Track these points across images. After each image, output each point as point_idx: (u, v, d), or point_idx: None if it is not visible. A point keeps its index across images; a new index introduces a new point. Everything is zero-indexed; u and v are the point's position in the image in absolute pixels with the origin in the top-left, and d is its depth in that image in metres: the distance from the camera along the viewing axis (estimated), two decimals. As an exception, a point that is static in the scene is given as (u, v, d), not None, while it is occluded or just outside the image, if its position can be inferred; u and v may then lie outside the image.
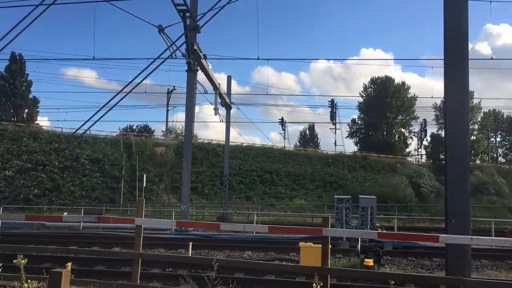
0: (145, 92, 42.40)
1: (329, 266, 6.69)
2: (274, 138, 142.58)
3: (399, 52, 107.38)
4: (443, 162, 19.84)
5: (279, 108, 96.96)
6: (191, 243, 11.98)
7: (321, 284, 5.61)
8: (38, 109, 55.60)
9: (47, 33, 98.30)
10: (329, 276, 6.61)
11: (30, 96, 54.79)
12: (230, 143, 36.27)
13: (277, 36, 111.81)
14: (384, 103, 62.96)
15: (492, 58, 29.34)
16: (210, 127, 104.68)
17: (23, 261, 5.06)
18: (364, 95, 66.80)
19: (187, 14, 19.17)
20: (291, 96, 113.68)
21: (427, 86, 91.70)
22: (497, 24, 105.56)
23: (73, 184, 37.48)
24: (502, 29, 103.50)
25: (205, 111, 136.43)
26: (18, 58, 51.76)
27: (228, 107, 32.38)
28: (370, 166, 48.74)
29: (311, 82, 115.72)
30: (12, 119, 50.72)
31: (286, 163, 46.66)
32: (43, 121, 57.43)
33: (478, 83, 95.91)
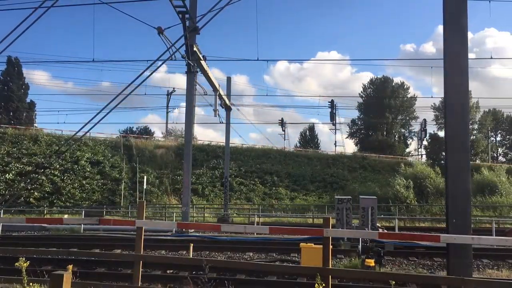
0: (145, 94, 42.53)
1: (330, 267, 6.68)
2: (254, 138, 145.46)
3: (354, 54, 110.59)
4: (443, 161, 19.87)
5: (247, 108, 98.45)
6: (192, 244, 11.97)
7: (323, 284, 5.61)
8: (35, 112, 55.79)
9: (45, 36, 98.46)
10: (330, 276, 6.61)
11: (27, 99, 55.01)
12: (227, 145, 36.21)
13: (276, 36, 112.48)
14: (383, 103, 63.02)
15: (491, 58, 29.11)
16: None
17: (25, 264, 5.04)
18: (363, 96, 66.90)
19: (187, 15, 19.19)
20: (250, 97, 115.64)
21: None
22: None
23: (74, 187, 37.46)
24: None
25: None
26: (14, 61, 51.88)
27: (228, 108, 32.38)
28: (370, 166, 48.74)
29: (274, 83, 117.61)
30: (12, 122, 50.81)
31: (286, 164, 46.66)
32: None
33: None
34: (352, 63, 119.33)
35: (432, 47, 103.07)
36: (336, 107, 56.36)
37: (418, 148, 59.35)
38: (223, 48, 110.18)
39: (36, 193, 35.47)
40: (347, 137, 67.67)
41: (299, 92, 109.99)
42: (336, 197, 18.40)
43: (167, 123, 60.17)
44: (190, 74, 21.49)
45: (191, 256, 11.57)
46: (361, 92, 67.62)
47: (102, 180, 39.09)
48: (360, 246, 13.05)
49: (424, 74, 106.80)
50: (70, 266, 6.41)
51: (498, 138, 73.98)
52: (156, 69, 11.21)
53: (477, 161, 57.43)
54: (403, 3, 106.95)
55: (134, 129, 65.66)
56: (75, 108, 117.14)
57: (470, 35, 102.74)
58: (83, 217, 27.15)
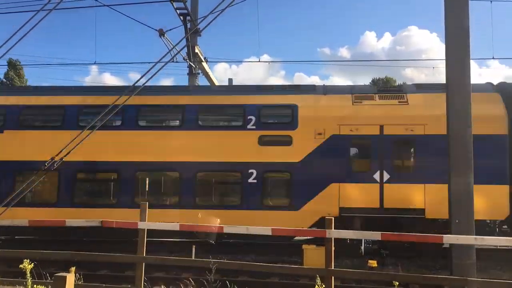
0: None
1: (332, 268, 6.67)
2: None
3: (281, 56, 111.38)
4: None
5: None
6: (194, 246, 11.97)
7: (323, 286, 5.61)
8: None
9: (47, 39, 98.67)
10: (333, 277, 6.60)
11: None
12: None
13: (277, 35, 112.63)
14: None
15: (493, 58, 29.28)
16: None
17: (29, 265, 5.05)
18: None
19: (188, 17, 19.22)
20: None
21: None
22: (380, 35, 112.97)
23: (76, 189, 37.44)
24: (376, 37, 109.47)
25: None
26: (15, 64, 51.76)
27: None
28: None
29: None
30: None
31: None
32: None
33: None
34: (283, 66, 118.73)
35: (347, 51, 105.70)
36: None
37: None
38: (224, 50, 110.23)
39: (38, 195, 35.50)
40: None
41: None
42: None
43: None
44: (192, 76, 21.51)
45: (193, 258, 11.58)
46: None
47: (104, 182, 39.12)
48: (362, 247, 13.02)
49: (341, 74, 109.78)
50: (73, 268, 6.43)
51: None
52: (157, 72, 11.16)
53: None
54: (322, 11, 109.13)
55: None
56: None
57: (389, 36, 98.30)
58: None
